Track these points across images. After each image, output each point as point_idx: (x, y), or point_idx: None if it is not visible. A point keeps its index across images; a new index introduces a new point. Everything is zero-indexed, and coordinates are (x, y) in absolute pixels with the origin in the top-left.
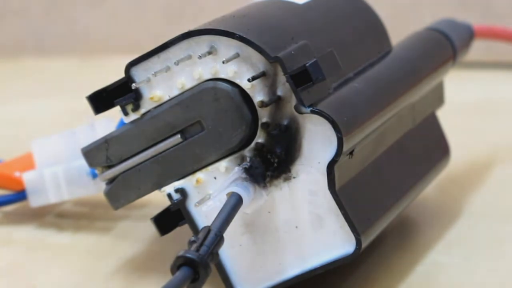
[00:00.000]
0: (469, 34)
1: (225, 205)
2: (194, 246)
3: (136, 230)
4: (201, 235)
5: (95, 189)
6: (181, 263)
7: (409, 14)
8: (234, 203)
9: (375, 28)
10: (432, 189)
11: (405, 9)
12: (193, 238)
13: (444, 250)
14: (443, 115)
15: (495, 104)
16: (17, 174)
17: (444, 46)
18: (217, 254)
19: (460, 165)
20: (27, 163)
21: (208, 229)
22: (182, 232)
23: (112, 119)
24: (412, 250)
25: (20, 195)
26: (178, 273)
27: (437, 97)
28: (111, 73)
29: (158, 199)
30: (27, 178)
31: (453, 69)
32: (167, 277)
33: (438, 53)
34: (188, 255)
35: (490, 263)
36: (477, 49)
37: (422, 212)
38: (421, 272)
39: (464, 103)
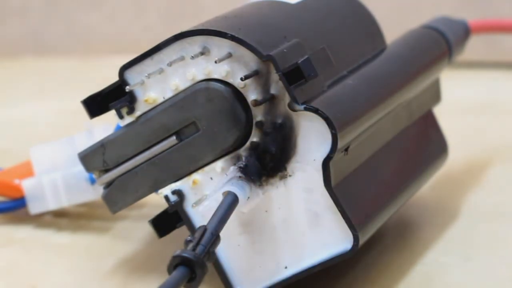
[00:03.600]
0: (464, 31)
1: (221, 204)
2: (191, 245)
3: (135, 230)
4: (197, 235)
5: (94, 195)
6: (177, 262)
7: (409, 15)
8: (230, 202)
9: (369, 26)
10: (432, 188)
11: (405, 10)
12: (189, 237)
13: (443, 249)
14: (443, 115)
15: (495, 104)
16: (16, 181)
17: (439, 43)
18: (213, 253)
19: (460, 165)
20: (26, 170)
21: (204, 229)
22: (181, 233)
23: (110, 125)
24: (412, 249)
25: (20, 202)
26: (175, 273)
27: (434, 94)
28: (111, 73)
29: (157, 200)
30: (26, 185)
31: (453, 69)
32: (166, 277)
33: (433, 50)
34: (184, 254)
35: (490, 263)
36: (478, 49)
37: (421, 211)
38: (420, 272)
39: (464, 103)
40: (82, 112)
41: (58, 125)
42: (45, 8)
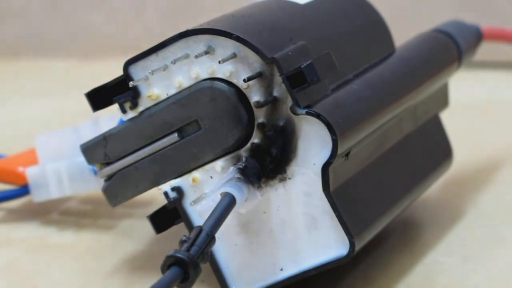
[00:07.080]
0: (476, 36)
1: (218, 205)
2: (185, 245)
3: (138, 229)
4: (192, 235)
5: (97, 185)
6: (171, 262)
7: (408, 15)
8: (227, 204)
9: (378, 29)
10: (434, 189)
11: (404, 10)
12: (184, 237)
13: (444, 250)
14: (443, 114)
15: (495, 104)
16: (20, 169)
17: (449, 47)
18: (208, 254)
19: (461, 166)
20: (30, 158)
21: (199, 229)
22: (183, 232)
23: (116, 116)
24: (412, 249)
25: (23, 190)
26: (168, 273)
27: (441, 99)
28: (111, 73)
29: (162, 199)
30: (30, 173)
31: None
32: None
33: (442, 55)
34: (178, 254)
35: (490, 263)
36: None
37: (422, 212)
38: (421, 271)
39: (464, 103)
40: (82, 112)
41: (58, 125)
42: (45, 8)
